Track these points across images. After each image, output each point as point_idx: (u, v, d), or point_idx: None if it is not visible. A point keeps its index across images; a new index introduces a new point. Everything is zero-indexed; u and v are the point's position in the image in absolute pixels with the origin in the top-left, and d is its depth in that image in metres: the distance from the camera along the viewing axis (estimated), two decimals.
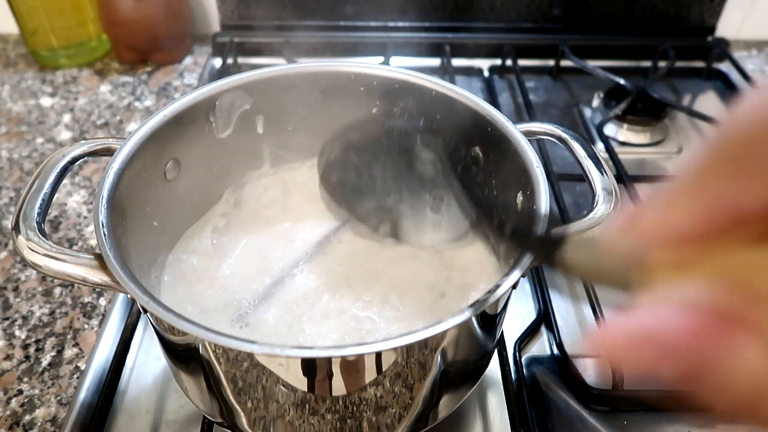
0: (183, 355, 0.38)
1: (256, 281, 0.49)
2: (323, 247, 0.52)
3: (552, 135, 0.46)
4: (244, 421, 0.39)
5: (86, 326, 0.55)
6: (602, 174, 0.42)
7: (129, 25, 0.85)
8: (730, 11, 0.94)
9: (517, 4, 0.91)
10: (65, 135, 0.78)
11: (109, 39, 0.91)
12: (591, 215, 0.40)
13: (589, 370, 0.51)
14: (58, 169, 0.41)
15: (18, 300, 0.57)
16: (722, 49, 0.91)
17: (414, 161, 0.48)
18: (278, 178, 0.57)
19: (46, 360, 0.52)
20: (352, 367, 0.34)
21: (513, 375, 0.50)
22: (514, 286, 0.36)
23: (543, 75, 0.91)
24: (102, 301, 0.57)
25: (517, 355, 0.52)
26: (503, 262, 0.47)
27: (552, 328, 0.54)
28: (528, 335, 0.54)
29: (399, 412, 0.39)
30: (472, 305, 0.33)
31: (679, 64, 0.88)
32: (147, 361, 0.52)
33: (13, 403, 0.49)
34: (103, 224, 0.37)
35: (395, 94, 0.51)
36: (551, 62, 0.91)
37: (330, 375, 0.34)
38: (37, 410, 0.49)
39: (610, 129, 0.78)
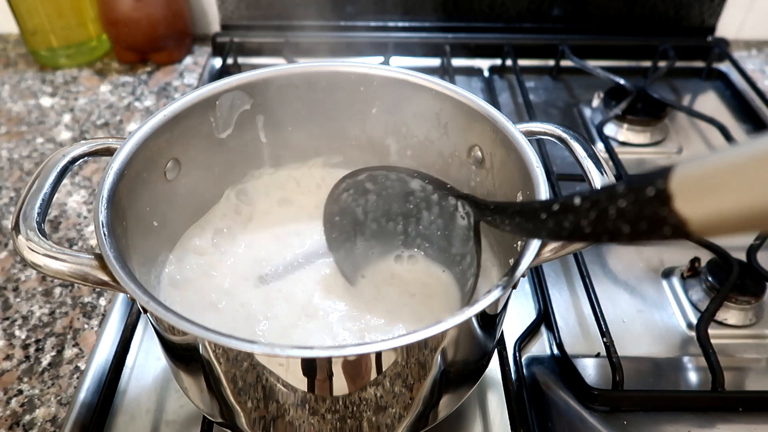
0: (183, 355, 0.38)
1: (257, 282, 0.49)
2: (323, 249, 0.52)
3: (552, 135, 0.46)
4: (244, 421, 0.39)
5: (86, 326, 0.55)
6: (602, 174, 0.42)
7: (129, 25, 0.85)
8: (730, 11, 0.94)
9: (517, 4, 0.91)
10: (65, 135, 0.78)
11: (109, 39, 0.91)
12: None
13: (589, 370, 0.51)
14: (58, 169, 0.41)
15: (18, 300, 0.57)
16: (722, 49, 0.91)
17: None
18: (278, 178, 0.57)
19: (46, 360, 0.52)
20: (352, 367, 0.34)
21: (513, 375, 0.50)
22: (514, 286, 0.36)
23: (543, 75, 0.91)
24: (102, 301, 0.57)
25: (517, 355, 0.52)
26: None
27: (552, 328, 0.54)
28: (528, 335, 0.54)
29: (399, 412, 0.39)
30: (471, 305, 0.33)
31: (679, 64, 0.88)
32: (147, 361, 0.52)
33: (13, 403, 0.49)
34: (103, 224, 0.37)
35: (395, 94, 0.51)
36: (551, 62, 0.91)
37: (330, 375, 0.34)
38: (37, 410, 0.49)
39: (610, 129, 0.78)
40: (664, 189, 0.21)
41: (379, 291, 0.49)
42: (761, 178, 0.18)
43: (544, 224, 0.30)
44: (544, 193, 0.40)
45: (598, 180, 0.42)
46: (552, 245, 0.38)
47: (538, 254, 0.37)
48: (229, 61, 0.88)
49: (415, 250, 0.51)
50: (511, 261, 0.38)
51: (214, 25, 0.96)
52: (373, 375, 0.35)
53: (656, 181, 0.21)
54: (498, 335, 0.44)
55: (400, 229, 0.51)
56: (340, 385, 0.35)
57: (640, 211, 0.22)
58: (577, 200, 0.26)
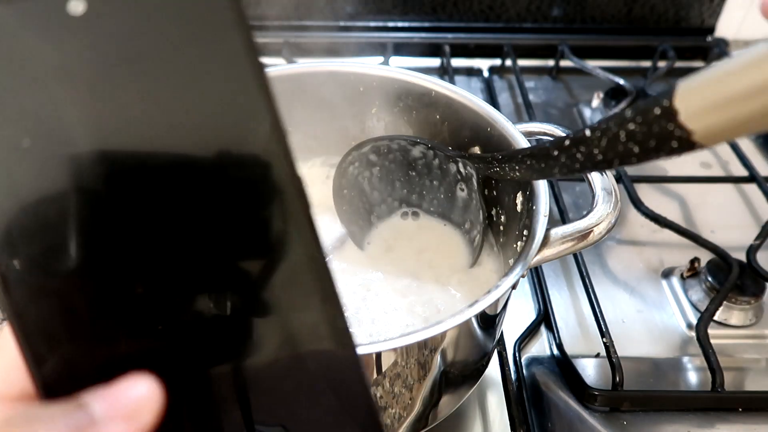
0: None
1: None
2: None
3: (551, 135, 0.46)
4: None
5: None
6: (602, 174, 0.42)
7: None
8: (729, 11, 0.94)
9: (517, 4, 0.91)
10: None
11: None
12: (591, 215, 0.40)
13: (588, 371, 0.51)
14: None
15: None
16: (722, 49, 0.91)
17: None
18: None
19: None
20: None
21: (513, 375, 0.50)
22: (514, 286, 0.36)
23: (543, 75, 0.91)
24: None
25: (517, 355, 0.52)
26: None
27: (552, 328, 0.54)
28: (528, 335, 0.54)
29: (399, 413, 0.39)
30: (471, 305, 0.33)
31: (679, 64, 0.88)
32: None
33: None
34: None
35: (395, 94, 0.51)
36: (551, 62, 0.91)
37: None
38: None
39: None
40: (670, 105, 0.23)
41: (390, 252, 0.51)
42: (757, 77, 0.20)
43: (556, 160, 0.32)
44: (543, 192, 0.40)
45: (598, 180, 0.42)
46: (552, 248, 0.38)
47: (538, 254, 0.37)
48: None
49: (422, 212, 0.54)
50: (511, 261, 0.38)
51: None
52: (373, 375, 0.35)
53: (661, 101, 0.23)
54: (498, 335, 0.44)
55: (404, 194, 0.53)
56: None
57: (648, 130, 0.24)
58: (587, 132, 0.28)
